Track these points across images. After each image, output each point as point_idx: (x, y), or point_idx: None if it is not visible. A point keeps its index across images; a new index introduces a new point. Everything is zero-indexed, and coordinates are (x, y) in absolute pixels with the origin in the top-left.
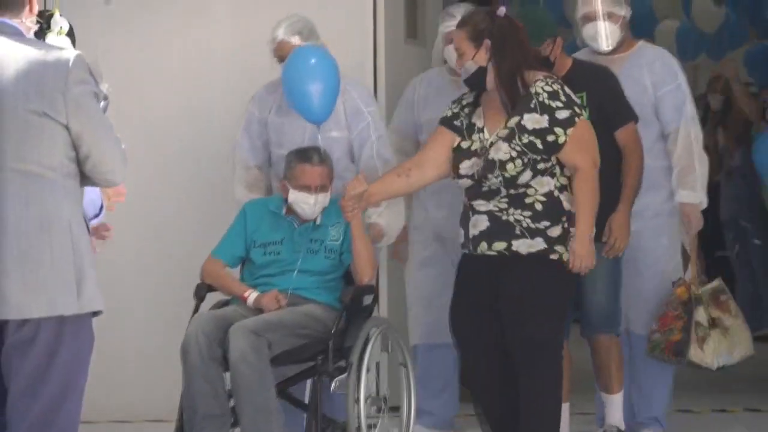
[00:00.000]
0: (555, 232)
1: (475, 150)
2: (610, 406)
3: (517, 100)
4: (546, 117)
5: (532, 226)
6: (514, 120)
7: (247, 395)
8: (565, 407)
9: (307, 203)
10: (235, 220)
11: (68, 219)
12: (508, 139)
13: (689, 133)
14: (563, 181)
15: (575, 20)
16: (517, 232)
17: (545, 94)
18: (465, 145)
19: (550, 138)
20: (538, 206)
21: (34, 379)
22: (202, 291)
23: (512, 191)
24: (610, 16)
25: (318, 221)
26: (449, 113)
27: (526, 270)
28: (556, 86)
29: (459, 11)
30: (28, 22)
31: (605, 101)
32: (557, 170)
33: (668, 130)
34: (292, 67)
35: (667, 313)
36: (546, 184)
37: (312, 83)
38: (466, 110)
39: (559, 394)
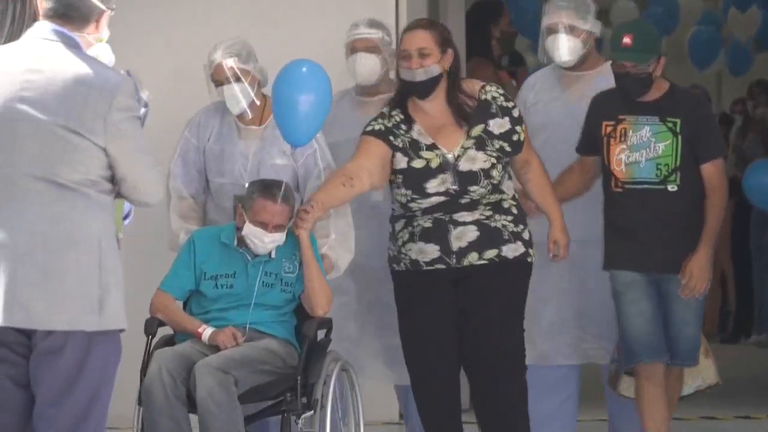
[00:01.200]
0: (527, 235)
1: (438, 167)
2: None
3: (467, 112)
4: (507, 119)
5: (515, 230)
6: (479, 128)
7: None
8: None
9: (261, 240)
10: (183, 251)
11: (98, 236)
12: (481, 147)
13: None
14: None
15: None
16: (506, 237)
17: (501, 98)
18: (418, 164)
19: (515, 137)
20: (514, 210)
21: (60, 390)
22: (152, 326)
23: (492, 198)
24: (572, 30)
25: (272, 255)
26: (379, 126)
27: (513, 275)
28: (500, 88)
29: (363, 21)
30: (90, 38)
31: (699, 131)
32: (510, 172)
33: None
34: (297, 78)
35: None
36: (510, 188)
37: (309, 102)
38: (403, 127)
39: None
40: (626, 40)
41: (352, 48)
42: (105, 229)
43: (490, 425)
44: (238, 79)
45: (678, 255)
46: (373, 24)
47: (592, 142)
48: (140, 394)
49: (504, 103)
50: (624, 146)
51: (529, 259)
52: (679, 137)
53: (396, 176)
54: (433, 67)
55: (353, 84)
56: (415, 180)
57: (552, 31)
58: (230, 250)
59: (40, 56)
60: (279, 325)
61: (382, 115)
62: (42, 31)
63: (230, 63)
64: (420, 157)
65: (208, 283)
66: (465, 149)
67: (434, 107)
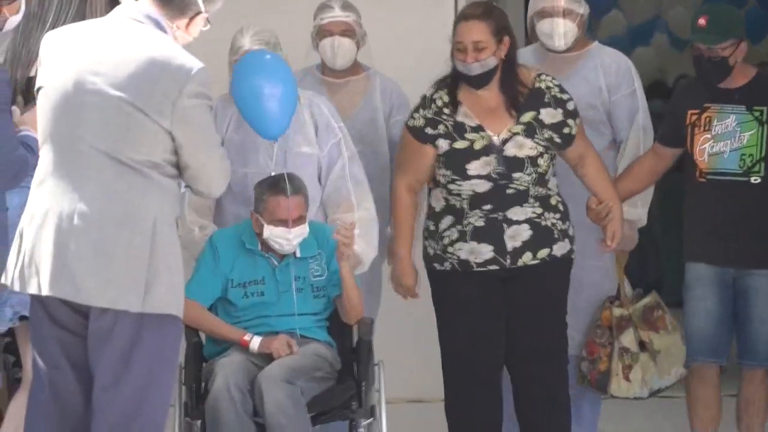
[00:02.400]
0: (571, 231)
1: (483, 148)
2: None
3: (519, 99)
4: (560, 110)
5: (563, 227)
6: (530, 115)
7: None
8: None
9: (285, 239)
10: (204, 255)
11: (153, 218)
12: (529, 134)
13: (638, 144)
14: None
15: (530, 16)
16: (555, 235)
17: (556, 88)
18: (461, 145)
19: (566, 130)
20: (561, 207)
21: (115, 372)
22: (192, 335)
23: (539, 191)
24: (568, 14)
25: (297, 254)
26: (420, 121)
27: (560, 273)
28: (555, 79)
29: (336, 3)
30: (178, 33)
31: None
32: (554, 169)
33: (620, 138)
34: (245, 74)
35: (592, 340)
36: (555, 183)
37: (267, 90)
38: (446, 111)
39: None
40: (701, 21)
41: (326, 31)
42: (163, 212)
43: (533, 424)
44: None
45: (759, 251)
46: (347, 6)
47: (675, 133)
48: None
49: (558, 94)
50: (708, 135)
51: (572, 256)
52: (765, 126)
53: (438, 160)
54: (489, 60)
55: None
56: (456, 160)
57: (547, 14)
58: (255, 256)
59: (122, 34)
60: (320, 329)
61: (423, 103)
62: (132, 11)
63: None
64: (464, 138)
65: (236, 291)
66: (513, 134)
67: (486, 92)
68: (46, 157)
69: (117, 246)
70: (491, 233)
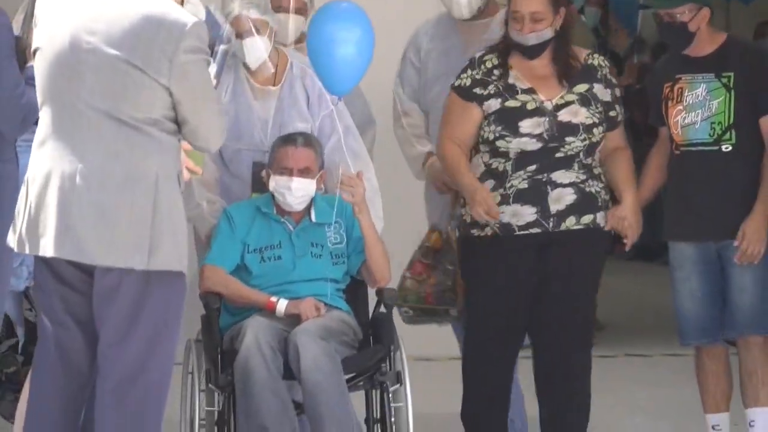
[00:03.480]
0: (610, 204)
1: (535, 109)
2: (758, 422)
3: (572, 71)
4: (609, 92)
5: (605, 197)
6: (583, 87)
7: (327, 410)
8: (726, 417)
9: (287, 188)
10: (221, 225)
11: (155, 176)
12: (585, 104)
13: None
14: None
15: None
16: (599, 204)
17: (607, 69)
18: (513, 104)
19: (612, 113)
20: (603, 178)
21: (120, 329)
22: (215, 301)
23: (586, 160)
24: None
25: (312, 218)
26: (467, 81)
27: (601, 244)
28: (607, 62)
29: None
30: None
31: (755, 83)
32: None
33: None
34: (338, 17)
35: (417, 261)
36: (597, 157)
37: (355, 44)
38: (496, 72)
39: None
40: None
41: (279, 6)
42: (164, 169)
43: (551, 396)
44: (258, 32)
45: (736, 220)
46: None
47: (658, 109)
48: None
49: (609, 76)
50: (680, 107)
51: (609, 230)
52: (732, 92)
53: (487, 118)
54: (546, 31)
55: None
56: (509, 117)
57: None
58: (270, 221)
59: None
60: (340, 297)
61: (471, 64)
62: None
63: (252, 14)
64: (515, 99)
65: (253, 257)
66: (567, 102)
67: (537, 61)
68: (45, 117)
69: (120, 206)
70: (535, 195)
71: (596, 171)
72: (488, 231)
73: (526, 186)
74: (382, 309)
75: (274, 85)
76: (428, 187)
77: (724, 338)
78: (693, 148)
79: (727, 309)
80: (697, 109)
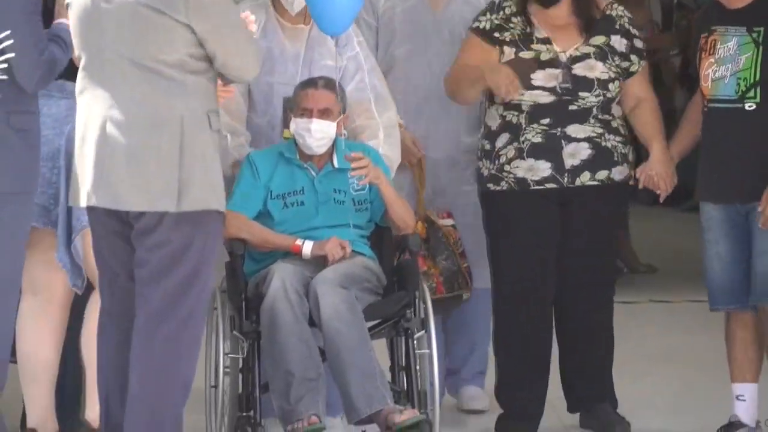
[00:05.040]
0: (631, 156)
1: (548, 61)
2: None
3: (593, 21)
4: (625, 42)
5: (623, 151)
6: (600, 39)
7: (349, 357)
8: (752, 387)
9: (306, 129)
10: (243, 171)
11: (180, 117)
12: (602, 58)
13: None
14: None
15: None
16: (616, 158)
17: (626, 19)
18: (526, 55)
19: (625, 64)
20: (622, 130)
21: (155, 269)
22: (240, 247)
23: (602, 115)
24: None
25: (335, 163)
26: (487, 24)
27: (618, 199)
28: (627, 12)
29: None
30: None
31: None
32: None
33: None
34: None
35: None
36: (618, 111)
37: None
38: (514, 20)
39: None
40: None
41: None
42: (190, 111)
43: (572, 353)
44: None
45: (759, 182)
46: None
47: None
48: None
49: (628, 26)
50: (712, 60)
51: (631, 182)
52: (761, 48)
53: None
54: None
55: None
56: (521, 69)
57: None
58: (293, 166)
59: None
60: (363, 244)
61: (491, 8)
62: None
63: None
64: (530, 49)
65: (275, 203)
66: (583, 55)
67: (558, 10)
68: (81, 68)
69: (147, 150)
70: (550, 150)
71: (614, 124)
72: (503, 185)
73: (540, 140)
74: (407, 255)
75: (304, 24)
76: None
77: (751, 303)
78: (719, 105)
79: (753, 274)
80: (727, 63)
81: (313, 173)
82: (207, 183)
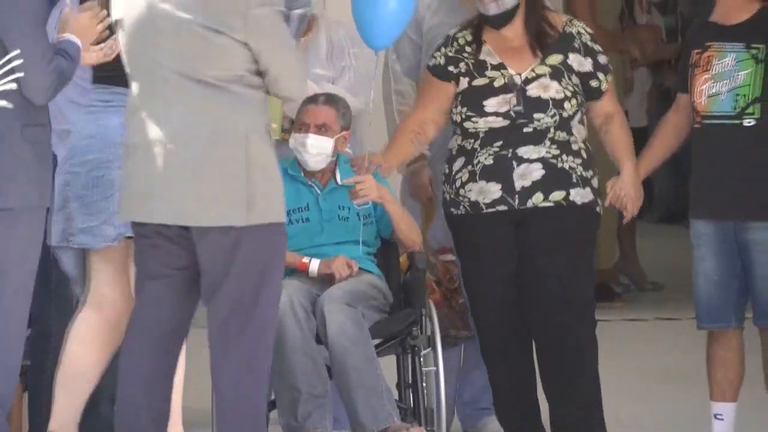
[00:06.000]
0: (596, 183)
1: (502, 86)
2: None
3: (546, 41)
4: (590, 60)
5: (584, 174)
6: (557, 58)
7: (355, 375)
8: (731, 407)
9: (302, 144)
10: None
11: (245, 131)
12: (557, 77)
13: None
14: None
15: None
16: (574, 180)
17: (587, 36)
18: (480, 83)
19: (594, 83)
20: (584, 154)
21: (226, 283)
22: None
23: (560, 136)
24: None
25: (338, 180)
26: (441, 59)
27: (581, 221)
28: (589, 28)
29: None
30: None
31: None
32: (585, 119)
33: None
34: None
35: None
36: (582, 132)
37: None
38: (468, 49)
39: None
40: None
41: None
42: (252, 123)
43: (555, 384)
44: None
45: (757, 201)
46: None
47: (685, 75)
48: None
49: (590, 43)
50: (707, 75)
51: (597, 209)
52: (762, 65)
53: (456, 97)
54: (508, 0)
55: None
56: (473, 97)
57: None
58: (298, 183)
59: None
60: (371, 262)
61: (446, 41)
62: None
63: None
64: (484, 76)
65: None
66: (538, 75)
67: (510, 31)
68: (134, 87)
69: (212, 164)
70: (500, 171)
71: (575, 147)
72: (461, 209)
73: (491, 162)
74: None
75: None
76: (403, 195)
77: (755, 324)
78: (715, 121)
79: (753, 297)
80: (724, 79)
81: (318, 190)
82: (272, 195)
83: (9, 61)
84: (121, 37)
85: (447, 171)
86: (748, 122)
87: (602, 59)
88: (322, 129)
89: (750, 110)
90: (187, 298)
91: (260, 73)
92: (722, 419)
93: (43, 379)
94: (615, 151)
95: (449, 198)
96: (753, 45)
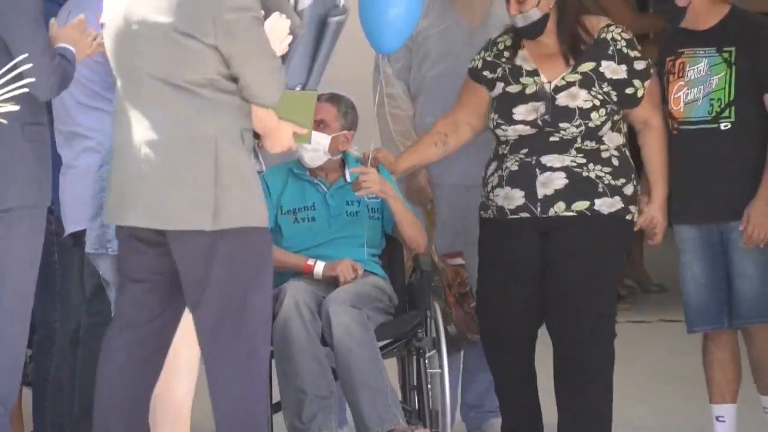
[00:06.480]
0: (629, 190)
1: (533, 93)
2: None
3: (579, 48)
4: (624, 67)
5: (613, 183)
6: (588, 66)
7: (360, 376)
8: (732, 408)
9: None
10: None
11: (214, 135)
12: (586, 85)
13: None
14: (624, 138)
15: None
16: (600, 189)
17: (623, 42)
18: (513, 89)
19: (629, 90)
20: (615, 161)
21: (197, 290)
22: None
23: (588, 144)
24: None
25: (347, 178)
26: (479, 63)
27: (607, 232)
28: (630, 34)
29: None
30: None
31: (758, 60)
32: (622, 125)
33: None
34: None
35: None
36: (616, 139)
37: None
38: (506, 54)
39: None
40: None
41: None
42: (223, 128)
43: (568, 393)
44: None
45: (736, 202)
46: None
47: (662, 84)
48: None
49: (626, 50)
50: (682, 82)
51: (628, 217)
52: (734, 68)
53: (491, 104)
54: (532, 12)
55: None
56: (505, 104)
57: None
58: (303, 182)
59: None
60: (376, 263)
61: (486, 45)
62: None
63: None
64: (518, 82)
65: (285, 218)
66: (568, 84)
67: (546, 38)
68: (118, 90)
69: (183, 168)
70: (523, 178)
71: (605, 154)
72: (490, 213)
73: (516, 168)
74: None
75: None
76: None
77: (733, 326)
78: (692, 127)
79: (732, 296)
80: (699, 85)
81: (324, 188)
82: (245, 200)
83: (15, 66)
84: (106, 42)
85: (483, 174)
86: (724, 126)
87: (639, 65)
88: (320, 125)
89: (725, 114)
90: (171, 303)
91: (234, 78)
92: (724, 421)
93: (46, 382)
94: (648, 169)
95: (481, 201)
96: (724, 49)
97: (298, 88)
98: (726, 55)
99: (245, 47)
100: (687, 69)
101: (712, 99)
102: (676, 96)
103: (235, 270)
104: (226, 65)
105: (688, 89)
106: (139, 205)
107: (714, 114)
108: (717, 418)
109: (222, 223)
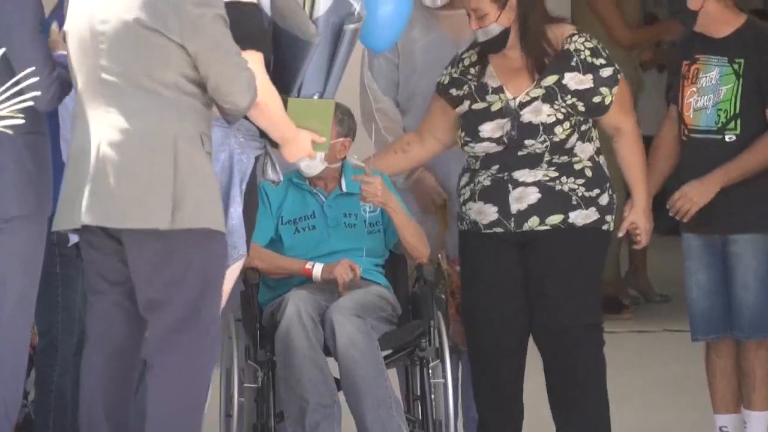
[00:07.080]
0: (604, 200)
1: (498, 111)
2: (751, 426)
3: (543, 61)
4: (590, 76)
5: (587, 194)
6: (551, 79)
7: (364, 386)
8: (735, 418)
9: None
10: None
11: (173, 136)
12: (549, 100)
13: None
14: (598, 144)
15: None
16: (574, 202)
17: (587, 51)
18: (479, 106)
19: (596, 99)
20: (588, 173)
21: (158, 292)
22: (253, 277)
23: (558, 158)
24: None
25: (343, 188)
26: (446, 79)
27: (583, 243)
28: (594, 41)
29: None
30: None
31: (764, 73)
32: (593, 133)
33: None
34: None
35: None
36: (587, 149)
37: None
38: (472, 71)
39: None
40: None
41: None
42: (183, 130)
43: (564, 408)
44: None
45: (739, 214)
46: None
47: (677, 87)
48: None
49: (590, 59)
50: (694, 89)
51: (604, 227)
52: (741, 80)
53: (458, 120)
54: (492, 27)
55: None
56: (471, 122)
57: None
58: (303, 192)
59: None
60: (379, 273)
61: (453, 61)
62: None
63: None
64: (484, 100)
65: (286, 228)
66: (532, 99)
67: (511, 52)
68: (78, 93)
69: (140, 167)
70: (496, 194)
71: (578, 166)
72: (465, 226)
73: (489, 183)
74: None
75: None
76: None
77: (735, 338)
78: (700, 135)
79: (733, 308)
80: (709, 93)
81: (323, 198)
82: (204, 201)
83: (18, 82)
84: (69, 46)
85: (457, 184)
86: (729, 138)
87: (605, 72)
88: None
89: (731, 126)
90: (138, 315)
91: (197, 82)
92: (728, 431)
93: (49, 391)
94: (626, 175)
95: (457, 212)
96: (735, 60)
97: (315, 96)
98: (736, 66)
99: (210, 44)
100: (700, 75)
101: (720, 109)
102: (687, 101)
103: (193, 275)
104: (191, 66)
105: (698, 96)
106: (94, 203)
107: (720, 125)
108: (720, 429)
109: (179, 223)
